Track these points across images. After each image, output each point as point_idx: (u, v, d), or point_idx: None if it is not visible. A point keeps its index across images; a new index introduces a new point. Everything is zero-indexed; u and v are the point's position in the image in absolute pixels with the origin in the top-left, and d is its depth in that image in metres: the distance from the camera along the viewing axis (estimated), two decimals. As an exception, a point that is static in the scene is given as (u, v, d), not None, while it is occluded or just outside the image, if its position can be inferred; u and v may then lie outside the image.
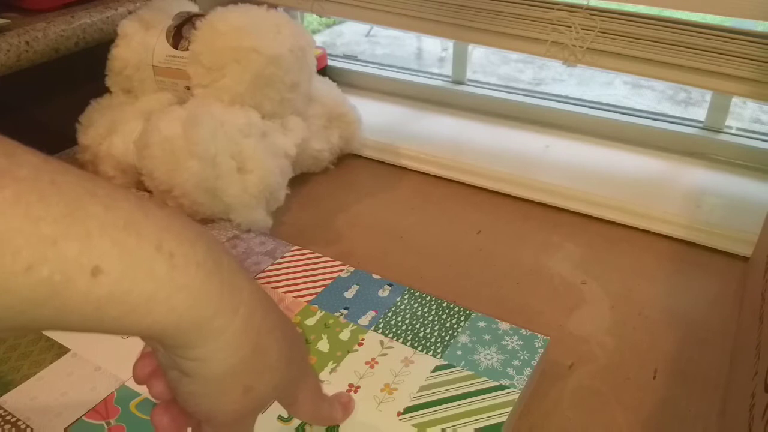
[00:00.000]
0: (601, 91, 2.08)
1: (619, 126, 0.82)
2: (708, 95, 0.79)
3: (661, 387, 0.49)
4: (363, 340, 0.50)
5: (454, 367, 0.47)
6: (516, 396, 0.44)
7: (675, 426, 0.46)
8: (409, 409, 0.44)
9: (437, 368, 0.47)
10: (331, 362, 0.48)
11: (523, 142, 0.82)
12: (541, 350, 0.48)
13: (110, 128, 0.70)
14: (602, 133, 0.82)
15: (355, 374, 0.47)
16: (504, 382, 0.45)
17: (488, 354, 0.48)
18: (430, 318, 0.52)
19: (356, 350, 0.49)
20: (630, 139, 0.81)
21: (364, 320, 0.52)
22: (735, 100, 0.77)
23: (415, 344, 0.49)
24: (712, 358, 0.51)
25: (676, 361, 0.51)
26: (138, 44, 0.71)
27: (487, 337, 0.49)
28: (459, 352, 0.48)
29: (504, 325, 0.51)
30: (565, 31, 0.70)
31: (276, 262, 0.58)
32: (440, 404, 0.44)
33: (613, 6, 0.68)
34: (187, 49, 0.69)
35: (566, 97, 0.87)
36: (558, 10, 0.70)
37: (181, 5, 0.76)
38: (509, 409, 0.43)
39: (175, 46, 0.70)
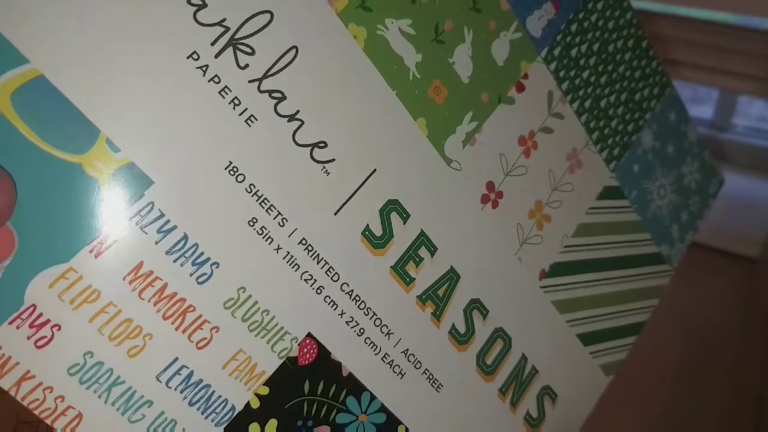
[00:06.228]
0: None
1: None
2: (714, 93, 0.78)
3: (668, 389, 0.48)
4: (527, 75, 0.32)
5: (624, 199, 0.36)
6: (666, 281, 0.37)
7: (682, 428, 0.45)
8: (555, 270, 0.34)
9: (605, 193, 0.35)
10: (471, 113, 0.30)
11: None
12: (711, 201, 0.40)
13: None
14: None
15: (500, 161, 0.31)
16: (663, 249, 0.37)
17: (663, 186, 0.37)
18: (622, 70, 0.36)
19: (512, 100, 0.32)
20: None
21: (535, 25, 0.32)
22: (741, 98, 0.76)
23: (592, 124, 0.34)
24: (718, 359, 0.51)
25: (682, 363, 0.50)
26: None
27: (670, 149, 0.37)
28: (635, 168, 0.36)
29: (692, 132, 0.37)
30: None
31: None
32: (588, 270, 0.35)
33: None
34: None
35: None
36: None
37: None
38: (655, 302, 0.37)
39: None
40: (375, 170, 0.29)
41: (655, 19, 0.65)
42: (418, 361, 0.30)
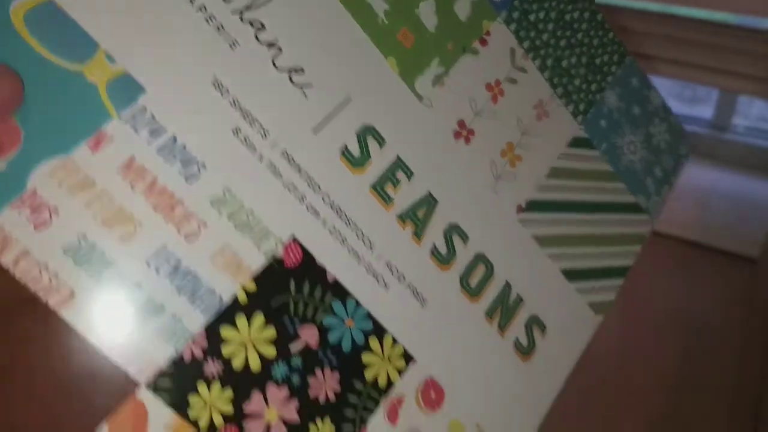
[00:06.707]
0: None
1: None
2: (714, 93, 0.79)
3: (667, 390, 0.47)
4: (489, 32, 0.35)
5: (594, 149, 0.37)
6: (648, 229, 0.37)
7: (682, 429, 0.44)
8: (531, 206, 0.35)
9: (575, 142, 0.37)
10: (437, 59, 0.34)
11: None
12: (683, 161, 0.39)
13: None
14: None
15: (469, 103, 0.34)
16: (640, 200, 0.38)
17: (633, 143, 0.38)
18: (580, 37, 0.38)
19: (476, 51, 0.35)
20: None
21: None
22: (742, 98, 0.77)
23: (555, 80, 0.37)
24: (718, 360, 0.50)
25: (682, 364, 0.50)
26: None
27: (636, 111, 0.39)
28: (603, 123, 0.38)
29: (655, 97, 0.39)
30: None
31: None
32: (566, 210, 0.36)
33: (620, 3, 0.69)
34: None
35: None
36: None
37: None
38: (638, 248, 0.37)
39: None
40: (350, 97, 0.32)
41: (654, 19, 0.67)
42: (402, 275, 0.32)
